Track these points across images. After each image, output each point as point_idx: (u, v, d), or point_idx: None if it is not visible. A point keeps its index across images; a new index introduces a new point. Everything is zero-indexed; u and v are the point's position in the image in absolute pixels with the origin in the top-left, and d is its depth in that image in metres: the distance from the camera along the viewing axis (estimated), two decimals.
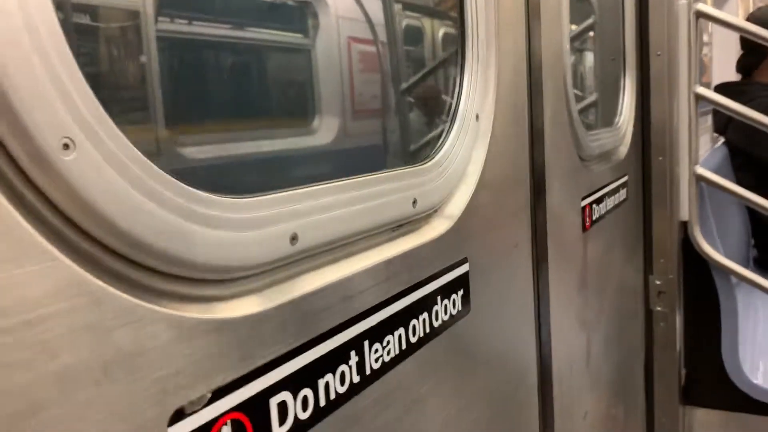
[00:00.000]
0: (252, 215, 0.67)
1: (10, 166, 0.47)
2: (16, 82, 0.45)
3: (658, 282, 2.61)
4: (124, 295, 0.52)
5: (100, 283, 0.50)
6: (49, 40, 0.47)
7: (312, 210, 0.75)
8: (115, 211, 0.51)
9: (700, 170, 2.62)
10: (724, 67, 4.31)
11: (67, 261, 0.48)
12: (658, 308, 2.63)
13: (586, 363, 1.81)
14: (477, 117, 1.16)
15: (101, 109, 0.51)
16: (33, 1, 0.46)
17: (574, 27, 2.36)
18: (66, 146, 0.48)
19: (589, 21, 2.61)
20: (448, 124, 1.12)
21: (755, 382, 2.65)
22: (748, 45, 3.59)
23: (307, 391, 0.72)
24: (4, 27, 0.44)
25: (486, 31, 1.18)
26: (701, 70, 3.23)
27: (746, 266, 2.80)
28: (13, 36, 0.45)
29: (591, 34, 2.65)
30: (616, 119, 2.35)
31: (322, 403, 0.75)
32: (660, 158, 2.58)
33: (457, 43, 1.15)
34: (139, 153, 0.54)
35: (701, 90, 2.60)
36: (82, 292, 0.49)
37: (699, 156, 2.71)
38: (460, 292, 1.08)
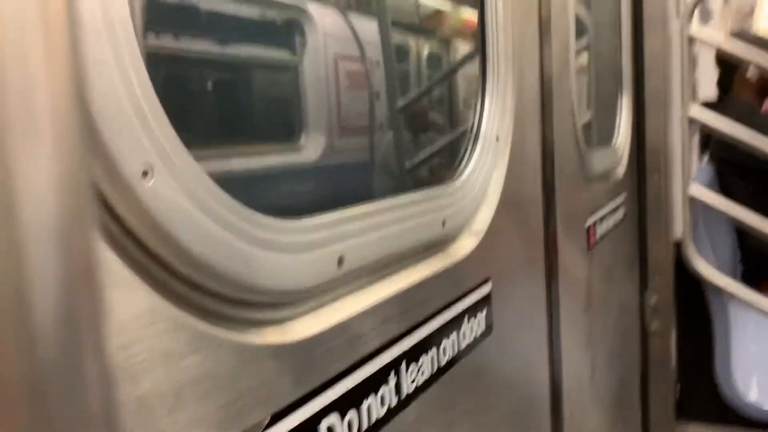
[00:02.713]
0: (305, 238, 0.67)
1: (93, 192, 0.47)
2: (102, 105, 0.45)
3: (653, 300, 2.65)
4: (196, 321, 0.52)
5: (175, 309, 0.50)
6: (131, 66, 0.47)
7: (357, 232, 0.76)
8: (189, 236, 0.52)
9: (694, 190, 2.66)
10: (708, 82, 4.36)
11: (147, 288, 0.48)
12: (654, 325, 2.66)
13: (590, 382, 1.83)
14: (497, 138, 1.17)
15: (175, 135, 0.51)
16: (119, 28, 0.46)
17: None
18: (145, 173, 0.48)
19: (583, 41, 2.66)
20: (470, 146, 1.14)
21: (748, 400, 2.69)
22: (722, 65, 3.67)
23: (352, 414, 0.72)
24: (92, 51, 0.44)
25: (505, 54, 1.20)
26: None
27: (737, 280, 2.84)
28: (100, 61, 0.45)
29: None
30: (614, 139, 2.38)
31: (365, 426, 0.75)
32: (655, 176, 2.62)
33: (479, 67, 1.17)
34: (209, 179, 0.54)
35: (695, 113, 2.65)
36: (161, 319, 0.49)
37: (692, 174, 2.77)
38: (484, 312, 1.08)
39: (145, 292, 0.48)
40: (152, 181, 0.49)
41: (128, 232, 0.49)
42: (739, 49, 2.67)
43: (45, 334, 0.25)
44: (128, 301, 0.46)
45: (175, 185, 0.51)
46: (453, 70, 2.02)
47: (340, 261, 0.72)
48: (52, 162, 0.27)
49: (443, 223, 0.97)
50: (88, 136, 0.44)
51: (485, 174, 1.12)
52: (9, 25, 0.26)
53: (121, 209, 0.48)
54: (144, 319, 0.48)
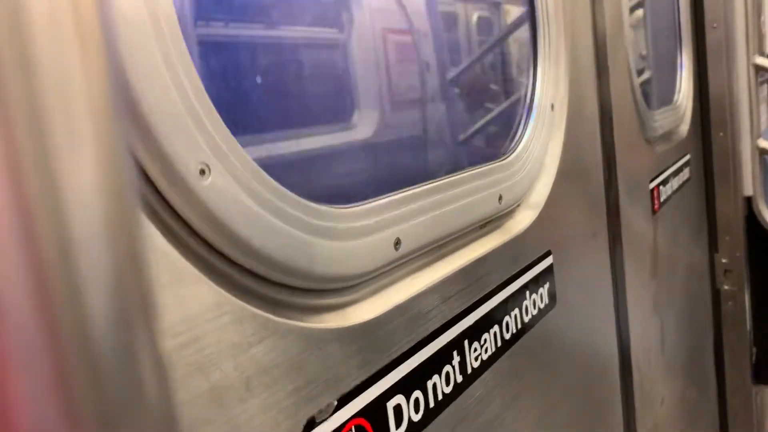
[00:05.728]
0: (361, 223, 0.67)
1: (153, 193, 0.48)
2: (157, 110, 0.46)
3: (724, 260, 2.55)
4: (260, 311, 0.53)
5: (239, 301, 0.51)
6: (183, 73, 0.48)
7: (412, 214, 0.76)
8: (248, 231, 0.53)
9: (763, 143, 2.55)
10: None
11: (211, 283, 0.49)
12: (725, 287, 2.57)
13: (661, 348, 1.79)
14: (552, 107, 1.14)
15: (230, 134, 0.52)
16: (169, 38, 0.47)
17: None
18: (202, 171, 0.50)
19: None
20: (524, 117, 1.11)
21: None
22: None
23: (418, 393, 0.73)
24: (145, 61, 0.46)
25: (556, 20, 1.16)
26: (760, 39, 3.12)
27: None
28: (154, 69, 0.46)
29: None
30: (675, 97, 2.29)
31: (431, 404, 0.76)
32: (721, 134, 2.51)
33: (530, 37, 1.14)
34: (264, 173, 0.55)
35: (761, 60, 2.52)
36: (226, 312, 0.50)
37: (761, 128, 2.64)
38: (546, 286, 1.07)
39: (209, 287, 0.49)
40: (210, 179, 0.50)
41: (190, 230, 0.50)
42: None
43: (99, 333, 0.26)
44: (194, 296, 0.48)
45: (232, 182, 0.52)
46: (507, 34, 1.97)
47: (397, 243, 0.73)
48: (94, 163, 0.28)
49: (500, 198, 0.96)
50: (139, 137, 0.45)
51: (541, 145, 1.10)
52: (43, 26, 0.26)
53: (181, 208, 0.49)
54: (210, 313, 0.49)
